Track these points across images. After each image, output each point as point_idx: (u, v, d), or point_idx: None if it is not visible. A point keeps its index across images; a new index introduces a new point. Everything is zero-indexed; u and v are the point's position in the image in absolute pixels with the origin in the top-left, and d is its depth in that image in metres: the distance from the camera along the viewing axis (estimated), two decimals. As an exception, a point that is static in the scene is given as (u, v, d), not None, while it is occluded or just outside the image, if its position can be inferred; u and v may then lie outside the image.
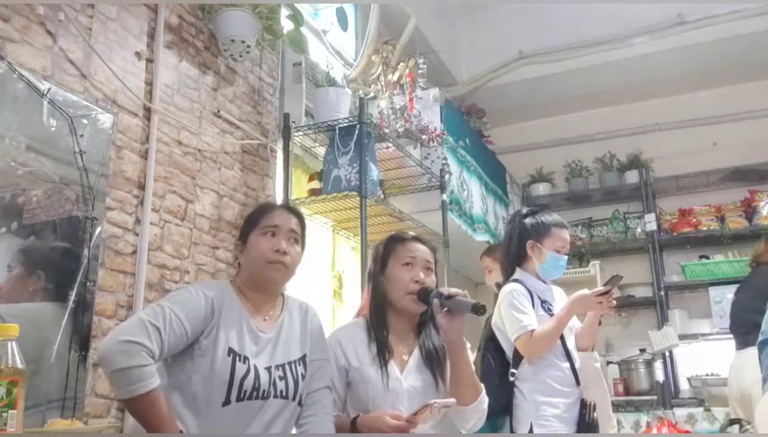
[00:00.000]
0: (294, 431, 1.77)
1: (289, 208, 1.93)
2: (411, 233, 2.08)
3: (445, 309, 1.83)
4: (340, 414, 1.86)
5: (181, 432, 1.55)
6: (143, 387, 1.47)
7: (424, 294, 1.88)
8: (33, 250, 1.94)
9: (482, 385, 1.92)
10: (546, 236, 2.52)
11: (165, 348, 1.55)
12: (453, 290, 1.83)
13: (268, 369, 1.69)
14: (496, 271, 3.32)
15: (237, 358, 1.64)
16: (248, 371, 1.64)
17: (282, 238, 1.77)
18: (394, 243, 1.99)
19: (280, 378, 1.70)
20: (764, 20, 4.54)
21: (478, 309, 1.76)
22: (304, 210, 3.11)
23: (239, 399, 1.61)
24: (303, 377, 1.75)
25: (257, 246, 1.76)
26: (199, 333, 1.63)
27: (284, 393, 1.69)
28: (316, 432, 1.74)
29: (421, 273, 1.92)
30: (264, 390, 1.65)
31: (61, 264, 2.01)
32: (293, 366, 1.74)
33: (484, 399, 1.91)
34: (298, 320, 1.84)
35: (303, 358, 1.78)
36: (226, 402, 1.60)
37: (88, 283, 2.07)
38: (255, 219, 1.82)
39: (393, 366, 1.88)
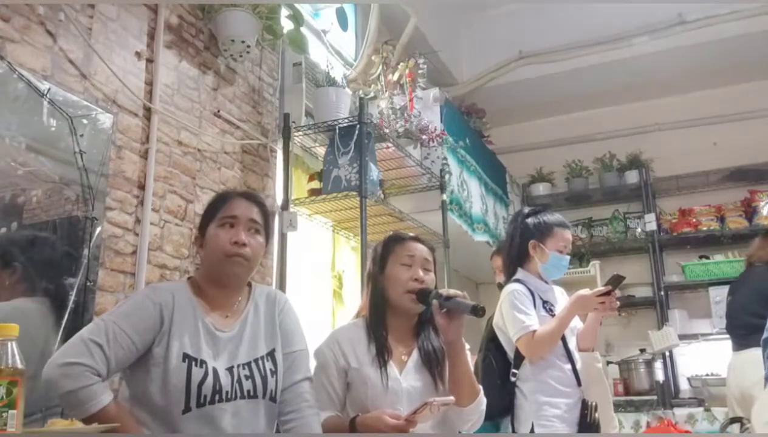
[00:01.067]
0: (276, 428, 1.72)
1: (249, 195, 1.80)
2: (409, 233, 2.08)
3: (444, 310, 1.83)
4: (339, 415, 1.86)
5: None
6: (94, 406, 1.43)
7: (423, 295, 1.88)
8: (33, 251, 1.94)
9: (480, 387, 1.92)
10: (548, 236, 2.51)
11: (112, 363, 1.50)
12: (452, 291, 1.83)
13: (230, 369, 1.61)
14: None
15: (193, 363, 1.56)
16: (206, 375, 1.56)
17: (241, 229, 1.67)
18: (392, 242, 1.99)
19: (246, 377, 1.62)
20: (764, 20, 4.54)
21: (478, 311, 1.76)
22: (304, 210, 3.13)
23: (200, 404, 1.54)
24: (272, 373, 1.67)
25: (215, 239, 1.66)
26: (150, 343, 1.56)
27: (252, 392, 1.62)
28: (303, 430, 1.69)
29: (420, 272, 1.92)
30: (227, 392, 1.58)
31: (61, 264, 2.01)
32: (260, 362, 1.66)
33: (482, 401, 1.91)
34: (264, 313, 1.74)
35: (271, 353, 1.69)
36: (186, 409, 1.53)
37: (88, 283, 2.07)
38: (213, 210, 1.72)
39: (392, 367, 1.88)
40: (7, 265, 1.86)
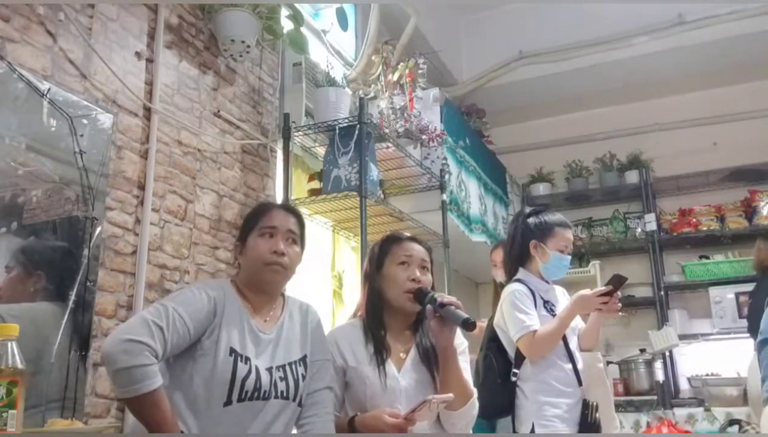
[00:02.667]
0: (294, 431, 1.76)
1: (288, 207, 1.92)
2: (406, 233, 2.09)
3: (438, 315, 1.84)
4: (338, 414, 1.86)
5: (182, 432, 1.54)
6: (146, 386, 1.46)
7: (420, 295, 1.89)
8: (33, 250, 1.94)
9: (474, 390, 1.92)
10: (549, 236, 2.51)
11: (168, 348, 1.55)
12: (447, 299, 1.83)
13: (269, 369, 1.68)
14: (500, 266, 3.32)
15: (239, 358, 1.63)
16: (250, 371, 1.63)
17: (280, 239, 1.76)
18: (389, 243, 2.00)
19: (281, 379, 1.69)
20: (764, 20, 4.54)
21: (468, 326, 1.77)
22: (304, 210, 3.12)
23: (240, 399, 1.61)
24: (303, 377, 1.75)
25: (255, 248, 1.76)
26: (202, 333, 1.63)
27: (285, 394, 1.69)
28: (317, 431, 1.74)
29: (418, 272, 1.93)
30: (265, 391, 1.65)
31: (61, 264, 2.01)
32: (294, 366, 1.74)
33: (474, 404, 1.91)
34: (298, 321, 1.83)
35: (303, 359, 1.78)
36: (228, 402, 1.60)
37: (88, 283, 2.07)
38: (253, 221, 1.82)
39: (390, 365, 1.88)
40: (8, 265, 1.86)
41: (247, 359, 1.65)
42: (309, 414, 1.76)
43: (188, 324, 1.59)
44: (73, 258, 2.04)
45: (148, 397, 1.47)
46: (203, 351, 1.62)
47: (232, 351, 1.63)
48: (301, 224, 1.86)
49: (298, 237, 1.83)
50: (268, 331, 1.74)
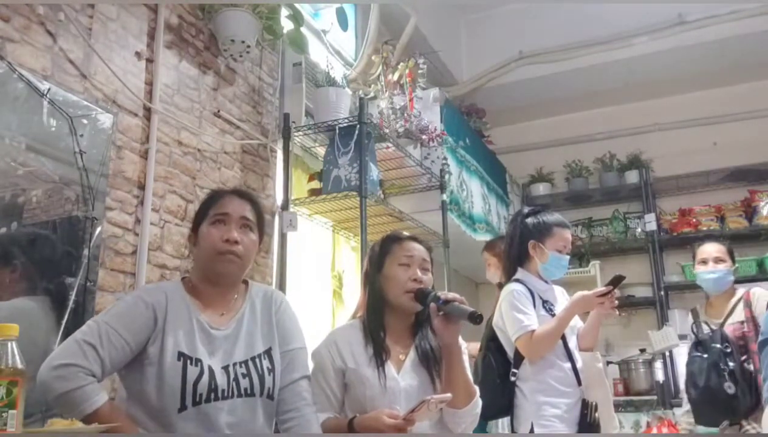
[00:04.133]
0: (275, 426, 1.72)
1: (241, 193, 1.80)
2: (406, 233, 2.09)
3: (442, 313, 1.83)
4: (337, 415, 1.86)
5: None
6: (89, 406, 1.44)
7: (421, 296, 1.89)
8: (33, 251, 1.94)
9: (476, 389, 1.92)
10: (548, 236, 2.52)
11: (106, 364, 1.50)
12: (451, 295, 1.83)
13: (226, 368, 1.60)
14: (494, 266, 3.32)
15: (188, 362, 1.56)
16: (201, 373, 1.56)
17: (233, 227, 1.67)
18: (390, 242, 2.00)
19: (244, 376, 1.61)
20: (764, 20, 4.54)
21: (475, 318, 1.75)
22: (304, 210, 3.13)
23: (195, 403, 1.54)
24: (269, 371, 1.66)
25: (207, 237, 1.67)
26: (144, 342, 1.56)
27: (249, 391, 1.61)
28: (302, 429, 1.68)
29: (419, 272, 1.92)
30: (223, 390, 1.58)
31: (61, 264, 2.01)
32: (257, 361, 1.65)
33: (477, 403, 1.91)
34: (260, 310, 1.73)
35: (268, 351, 1.69)
36: (182, 407, 1.53)
37: (88, 283, 2.07)
38: (205, 209, 1.73)
39: (389, 367, 1.88)
40: (9, 264, 1.86)
41: (198, 361, 1.57)
42: (289, 408, 1.69)
43: (124, 337, 1.53)
44: (73, 258, 2.04)
45: (96, 415, 1.43)
46: (150, 360, 1.56)
47: (180, 354, 1.56)
48: (257, 211, 1.75)
49: (253, 225, 1.72)
50: (223, 327, 1.65)
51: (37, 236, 1.96)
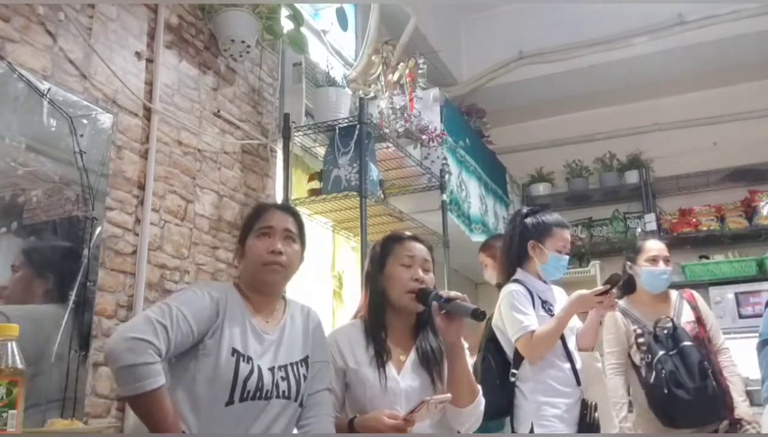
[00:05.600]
0: (295, 431, 1.77)
1: (284, 207, 1.94)
2: (407, 232, 2.09)
3: (444, 311, 1.83)
4: (338, 415, 1.86)
5: (183, 432, 1.55)
6: (149, 384, 1.46)
7: (423, 295, 1.89)
8: (33, 251, 1.94)
9: (479, 388, 1.92)
10: (547, 236, 2.52)
11: (172, 347, 1.55)
12: (452, 293, 1.83)
13: (272, 369, 1.69)
14: (490, 266, 3.31)
15: (241, 358, 1.64)
16: (251, 371, 1.64)
17: (277, 239, 1.78)
18: (391, 242, 2.00)
19: (283, 379, 1.70)
20: (764, 20, 4.54)
21: (478, 315, 1.76)
22: (304, 210, 3.13)
23: (242, 399, 1.62)
24: (305, 378, 1.76)
25: (253, 249, 1.78)
26: (204, 333, 1.64)
27: (286, 394, 1.70)
28: (317, 431, 1.75)
29: (420, 272, 1.92)
30: (267, 391, 1.66)
31: (61, 264, 2.01)
32: (295, 367, 1.75)
33: (480, 402, 1.91)
34: (300, 322, 1.84)
35: (305, 360, 1.78)
36: (230, 402, 1.61)
37: (88, 283, 2.07)
38: (251, 223, 1.84)
39: (390, 367, 1.88)
40: (26, 270, 1.87)
41: (249, 359, 1.66)
42: (309, 415, 1.76)
43: (191, 324, 1.60)
44: (73, 258, 2.04)
45: (151, 396, 1.47)
46: (206, 351, 1.63)
47: (235, 351, 1.64)
48: (299, 223, 1.87)
49: (296, 236, 1.83)
50: (270, 332, 1.75)
51: (37, 236, 1.96)
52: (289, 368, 1.73)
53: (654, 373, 2.81)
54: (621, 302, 3.01)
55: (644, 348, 2.91)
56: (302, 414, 1.76)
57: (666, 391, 2.75)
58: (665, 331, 2.89)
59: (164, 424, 1.48)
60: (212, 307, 1.66)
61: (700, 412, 2.78)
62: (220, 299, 1.69)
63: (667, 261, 3.06)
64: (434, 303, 1.85)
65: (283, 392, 1.69)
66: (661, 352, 2.83)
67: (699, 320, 2.99)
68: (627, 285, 3.08)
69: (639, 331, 2.96)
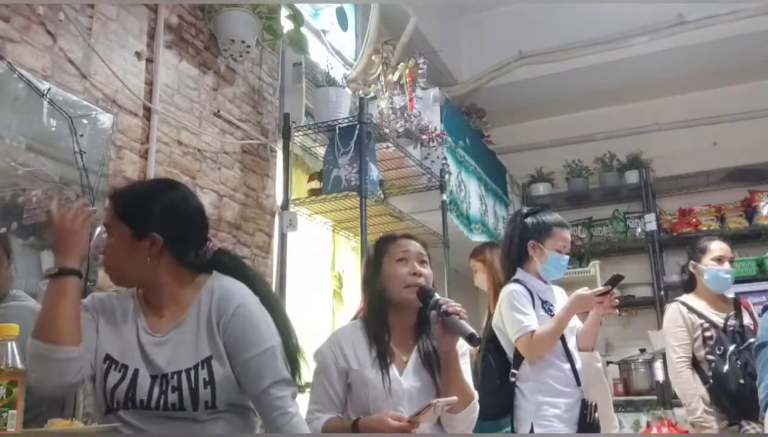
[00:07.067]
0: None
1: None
2: (399, 232, 2.09)
3: (441, 320, 1.83)
4: (341, 416, 1.86)
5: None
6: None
7: (423, 295, 1.88)
8: (32, 250, 1.94)
9: (475, 393, 1.92)
10: (547, 236, 2.51)
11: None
12: (452, 306, 1.80)
13: (155, 377, 1.48)
14: (480, 272, 3.30)
15: (113, 366, 1.49)
16: (122, 379, 1.48)
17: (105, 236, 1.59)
18: (385, 243, 2.01)
19: (174, 389, 1.46)
20: (764, 20, 4.54)
21: (473, 340, 1.75)
22: (304, 210, 3.13)
23: (114, 409, 1.48)
24: (206, 383, 1.47)
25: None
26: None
27: (177, 406, 1.45)
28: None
29: (417, 265, 1.92)
30: (142, 400, 1.46)
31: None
32: (191, 373, 1.47)
33: (474, 408, 1.90)
34: (205, 316, 1.52)
35: (208, 360, 1.49)
36: (107, 409, 1.50)
37: (88, 283, 2.07)
38: None
39: (392, 368, 1.87)
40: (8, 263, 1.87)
41: (123, 366, 1.49)
42: (265, 420, 1.53)
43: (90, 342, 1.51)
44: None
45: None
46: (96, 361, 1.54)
47: (108, 357, 1.51)
48: (116, 205, 1.59)
49: (111, 228, 1.57)
50: (158, 334, 1.53)
51: (37, 236, 1.96)
52: (183, 375, 1.47)
53: (728, 364, 2.82)
54: (684, 297, 3.11)
55: (711, 342, 2.93)
56: (262, 420, 1.56)
57: (742, 381, 2.77)
58: (731, 328, 2.92)
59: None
60: (85, 316, 1.52)
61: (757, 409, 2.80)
62: (93, 305, 1.56)
63: (731, 261, 3.08)
64: (433, 313, 1.84)
65: (173, 404, 1.45)
66: (733, 346, 2.86)
67: (754, 327, 2.99)
68: (689, 284, 3.15)
69: (706, 325, 2.99)
